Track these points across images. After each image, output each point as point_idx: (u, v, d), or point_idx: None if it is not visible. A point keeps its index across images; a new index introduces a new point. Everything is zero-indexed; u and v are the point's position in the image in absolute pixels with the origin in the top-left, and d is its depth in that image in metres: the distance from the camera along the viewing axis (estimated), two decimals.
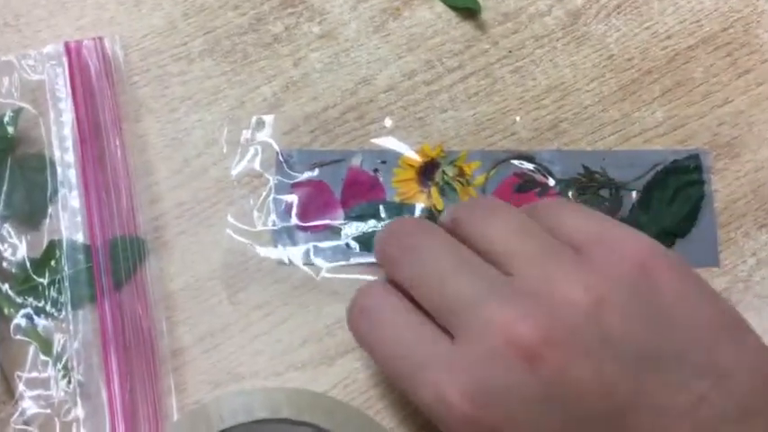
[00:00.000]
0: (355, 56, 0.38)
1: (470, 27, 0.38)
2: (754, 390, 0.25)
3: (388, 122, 0.36)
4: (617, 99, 0.36)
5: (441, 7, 0.38)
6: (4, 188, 0.34)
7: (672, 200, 0.34)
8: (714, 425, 0.24)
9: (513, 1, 0.38)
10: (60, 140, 0.35)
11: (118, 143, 0.35)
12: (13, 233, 0.33)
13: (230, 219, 0.35)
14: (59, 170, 0.35)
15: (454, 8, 0.38)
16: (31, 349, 0.32)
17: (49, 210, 0.34)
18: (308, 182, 0.35)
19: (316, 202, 0.35)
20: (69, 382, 0.31)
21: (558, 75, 0.37)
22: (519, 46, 0.37)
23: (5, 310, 0.32)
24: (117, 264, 0.33)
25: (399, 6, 0.38)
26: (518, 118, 0.36)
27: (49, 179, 0.35)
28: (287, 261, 0.34)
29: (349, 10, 0.38)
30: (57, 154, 0.35)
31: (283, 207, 0.35)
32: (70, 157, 0.35)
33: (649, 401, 0.24)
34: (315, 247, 0.34)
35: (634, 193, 0.35)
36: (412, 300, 0.27)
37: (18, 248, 0.33)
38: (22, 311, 0.32)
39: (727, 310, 0.26)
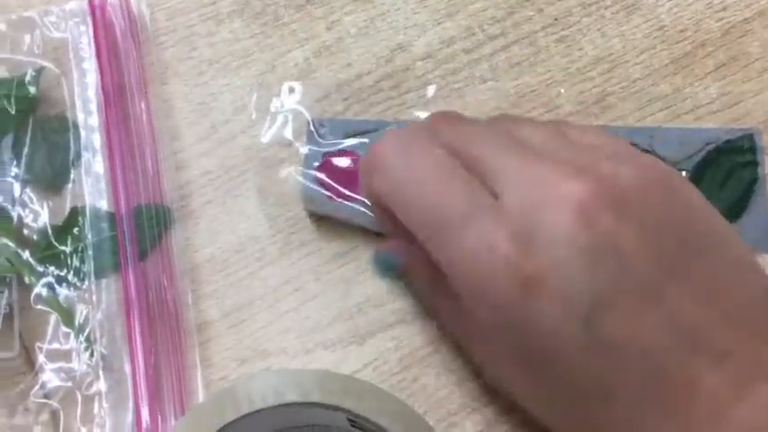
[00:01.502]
0: (392, 20, 0.36)
1: None
2: None
3: (424, 92, 0.35)
4: (668, 73, 0.35)
5: None
6: (26, 150, 0.33)
7: (723, 182, 0.33)
8: (743, 310, 0.25)
9: None
10: (84, 102, 0.34)
11: (143, 107, 0.34)
12: (34, 198, 0.32)
13: (259, 188, 0.33)
14: (83, 133, 0.33)
15: None
16: (52, 320, 0.31)
17: (72, 174, 0.33)
18: (340, 152, 0.34)
19: (347, 173, 0.34)
20: (92, 354, 0.30)
21: (606, 45, 0.35)
22: (565, 13, 0.36)
23: (26, 278, 0.31)
24: (142, 232, 0.32)
25: None
26: (562, 90, 0.34)
27: (71, 142, 0.33)
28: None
29: None
30: (80, 116, 0.33)
31: (314, 178, 0.33)
32: (94, 120, 0.33)
33: (686, 282, 0.24)
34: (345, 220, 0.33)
35: (684, 173, 0.33)
36: None
37: (40, 215, 0.32)
38: (44, 280, 0.31)
39: None
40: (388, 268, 0.32)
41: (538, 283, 0.24)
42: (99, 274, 0.31)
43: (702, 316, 0.24)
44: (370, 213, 0.32)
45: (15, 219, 0.32)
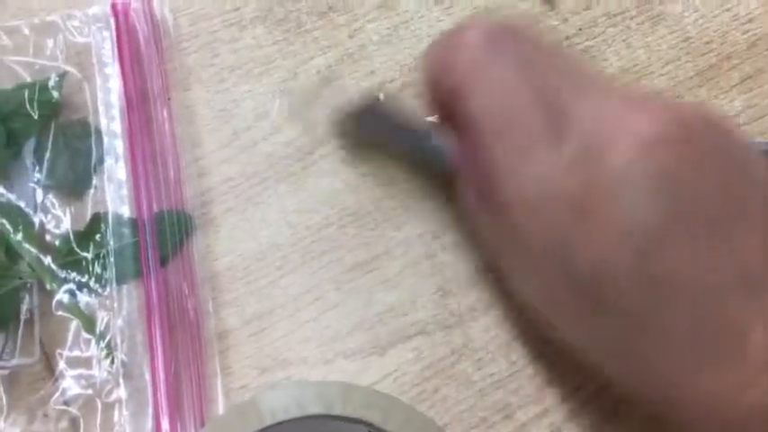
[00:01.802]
0: (415, 28, 0.36)
1: (539, 1, 0.35)
2: None
3: None
4: (693, 85, 0.34)
5: None
6: (47, 155, 0.33)
7: None
8: None
9: None
10: (106, 108, 0.34)
11: (165, 113, 0.33)
12: (56, 204, 0.32)
13: (281, 195, 0.33)
14: (105, 139, 0.33)
15: None
16: (73, 326, 0.31)
17: (94, 180, 0.33)
18: None
19: None
20: (112, 361, 0.30)
21: (631, 56, 0.35)
22: (590, 24, 0.35)
23: (48, 284, 0.31)
24: (163, 239, 0.32)
25: None
26: None
27: (93, 147, 0.33)
28: None
29: None
30: (102, 122, 0.33)
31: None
32: (116, 125, 0.33)
33: (746, 223, 0.24)
34: None
35: None
36: None
37: (62, 220, 0.32)
38: (65, 286, 0.31)
39: None
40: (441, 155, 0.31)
41: (593, 209, 0.24)
42: (120, 281, 0.31)
43: (761, 260, 0.24)
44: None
45: (37, 224, 0.32)
